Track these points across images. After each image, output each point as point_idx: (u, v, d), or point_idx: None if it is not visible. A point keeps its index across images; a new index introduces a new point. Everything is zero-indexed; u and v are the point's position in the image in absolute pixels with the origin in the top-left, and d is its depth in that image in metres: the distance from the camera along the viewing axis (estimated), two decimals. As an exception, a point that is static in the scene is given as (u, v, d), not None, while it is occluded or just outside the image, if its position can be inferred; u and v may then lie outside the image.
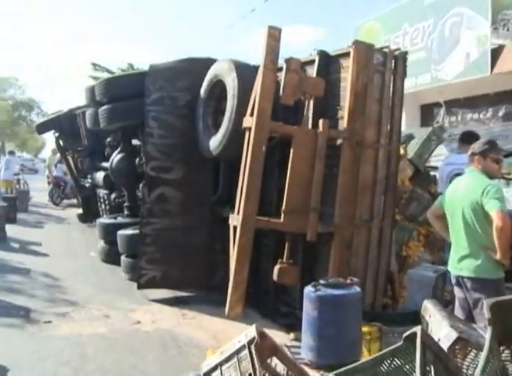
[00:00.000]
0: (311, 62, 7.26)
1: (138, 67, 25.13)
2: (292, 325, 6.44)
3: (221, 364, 3.04)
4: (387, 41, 15.33)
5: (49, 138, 22.73)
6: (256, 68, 6.99)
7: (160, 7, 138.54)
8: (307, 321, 4.91)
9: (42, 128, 18.72)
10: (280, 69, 6.71)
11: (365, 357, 4.40)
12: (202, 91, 8.11)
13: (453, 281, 5.02)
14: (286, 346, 4.97)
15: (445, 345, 2.94)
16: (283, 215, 6.52)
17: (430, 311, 3.47)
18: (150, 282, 8.16)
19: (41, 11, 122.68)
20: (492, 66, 12.99)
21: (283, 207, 6.51)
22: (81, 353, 5.98)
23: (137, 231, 8.60)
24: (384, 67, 6.91)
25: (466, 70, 13.81)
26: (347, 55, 6.80)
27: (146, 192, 8.24)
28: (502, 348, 2.78)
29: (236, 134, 7.10)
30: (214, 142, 7.66)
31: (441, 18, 14.59)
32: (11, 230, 13.81)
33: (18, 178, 22.35)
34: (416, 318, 4.00)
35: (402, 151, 8.09)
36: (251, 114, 6.69)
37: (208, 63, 8.14)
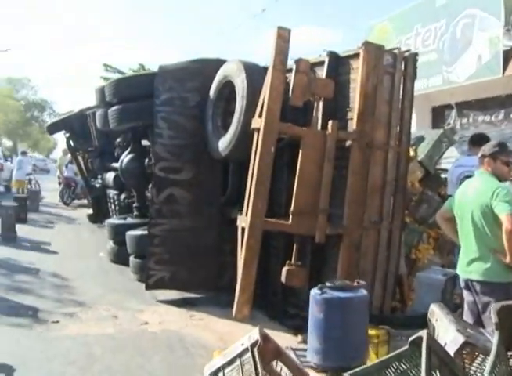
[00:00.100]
0: (321, 63, 7.22)
1: (150, 68, 25.14)
2: (300, 327, 6.39)
3: (223, 367, 3.02)
4: (399, 42, 15.24)
5: (61, 138, 22.88)
6: (265, 69, 6.96)
7: (165, 6, 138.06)
8: (313, 324, 4.88)
9: (53, 128, 18.79)
10: (290, 70, 6.70)
11: (373, 360, 4.37)
12: (211, 92, 8.10)
13: (462, 285, 4.98)
14: (292, 349, 4.97)
15: (451, 349, 2.90)
16: (291, 217, 6.49)
17: (437, 315, 3.43)
18: (159, 283, 8.16)
19: (41, 11, 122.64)
20: (504, 68, 12.87)
21: (292, 208, 6.48)
22: (88, 353, 5.97)
23: (146, 232, 8.59)
24: (393, 69, 6.87)
25: (477, 72, 13.69)
26: (357, 56, 6.76)
27: (154, 192, 8.22)
28: (510, 353, 2.74)
29: (245, 135, 7.08)
30: (223, 143, 7.64)
31: (453, 19, 14.46)
32: (21, 230, 13.87)
33: (30, 178, 22.44)
34: (424, 321, 3.95)
35: (412, 153, 8.06)
36: (260, 115, 6.67)
37: (218, 63, 8.13)
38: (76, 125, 16.31)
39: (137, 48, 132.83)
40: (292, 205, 6.49)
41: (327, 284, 5.01)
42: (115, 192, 13.81)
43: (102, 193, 15.72)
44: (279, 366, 3.20)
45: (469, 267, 4.82)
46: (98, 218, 16.03)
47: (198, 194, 8.29)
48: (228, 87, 7.81)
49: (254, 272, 6.56)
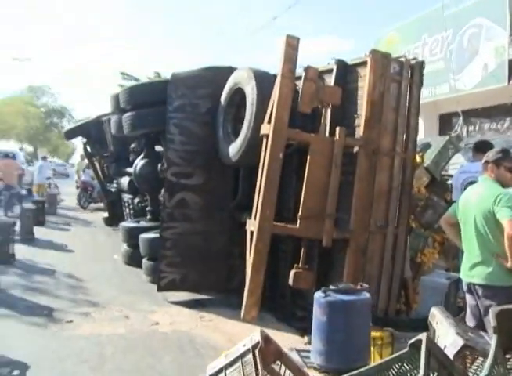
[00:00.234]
0: (330, 71, 7.21)
1: (166, 76, 25.24)
2: (307, 329, 6.35)
3: (226, 367, 3.00)
4: (407, 51, 15.18)
5: (79, 144, 23.05)
6: (275, 76, 6.94)
7: (165, 6, 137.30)
8: (316, 326, 4.87)
9: (70, 134, 18.91)
10: (299, 77, 6.68)
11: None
12: (222, 99, 8.10)
13: (465, 288, 4.95)
14: (297, 350, 4.96)
15: (451, 352, 2.87)
16: (299, 221, 6.47)
17: (438, 318, 3.40)
18: (170, 284, 8.16)
19: (41, 11, 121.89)
20: (510, 77, 12.79)
21: (300, 213, 6.46)
22: (99, 353, 5.97)
23: (158, 235, 8.59)
24: (400, 76, 6.83)
25: (483, 81, 13.63)
26: (364, 64, 6.75)
27: (166, 197, 8.23)
28: (508, 356, 2.71)
29: (255, 141, 7.06)
30: (234, 149, 7.64)
31: (460, 29, 14.43)
32: (39, 232, 14.02)
33: (49, 182, 22.59)
34: (428, 324, 3.93)
35: (418, 159, 8.02)
36: (269, 122, 6.66)
37: (229, 71, 8.13)
38: (92, 131, 16.38)
39: (137, 48, 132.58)
40: (300, 210, 6.47)
41: (331, 287, 4.99)
42: (129, 196, 13.87)
43: (118, 197, 15.79)
44: (283, 368, 3.18)
45: (471, 271, 4.79)
46: (113, 221, 16.07)
47: (209, 199, 8.29)
48: (238, 94, 7.81)
49: (262, 276, 6.54)
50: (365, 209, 6.62)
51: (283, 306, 7.53)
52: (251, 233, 6.71)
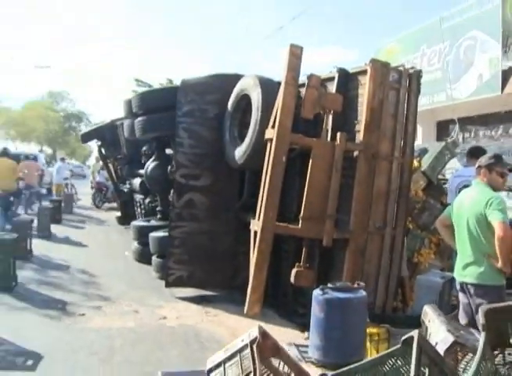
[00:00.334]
0: (332, 79, 7.20)
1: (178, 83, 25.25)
2: (307, 325, 6.35)
3: (224, 361, 2.99)
4: (406, 61, 15.16)
5: (95, 146, 23.13)
6: (279, 84, 6.94)
7: (165, 6, 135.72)
8: (314, 322, 4.86)
9: (86, 137, 18.94)
10: (303, 85, 6.70)
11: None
12: (229, 104, 8.09)
13: (458, 287, 4.95)
14: (296, 345, 4.93)
15: (441, 348, 2.85)
16: (301, 222, 6.47)
17: (430, 316, 3.38)
18: (177, 281, 8.14)
19: (41, 11, 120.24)
20: (503, 87, 12.88)
21: (301, 213, 6.47)
22: (109, 345, 5.96)
23: (167, 233, 8.58)
24: (399, 85, 6.82)
25: (478, 90, 13.68)
26: (364, 72, 6.75)
27: (175, 197, 8.22)
28: (496, 352, 2.68)
29: (260, 145, 7.07)
30: (239, 152, 7.63)
31: (456, 41, 14.48)
32: (55, 229, 14.09)
33: (67, 182, 22.68)
34: (422, 321, 3.91)
35: (416, 164, 8.01)
36: (273, 127, 6.66)
37: (235, 78, 8.13)
38: (107, 135, 16.39)
39: (137, 48, 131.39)
40: (302, 211, 6.47)
41: (329, 285, 4.97)
42: (141, 196, 13.84)
43: (130, 197, 15.77)
44: (281, 362, 3.16)
45: (464, 271, 4.78)
46: (126, 220, 16.02)
47: (216, 200, 8.27)
48: (244, 100, 7.81)
49: (265, 274, 6.54)
50: (364, 211, 6.61)
51: (285, 303, 7.50)
52: (255, 232, 6.72)
